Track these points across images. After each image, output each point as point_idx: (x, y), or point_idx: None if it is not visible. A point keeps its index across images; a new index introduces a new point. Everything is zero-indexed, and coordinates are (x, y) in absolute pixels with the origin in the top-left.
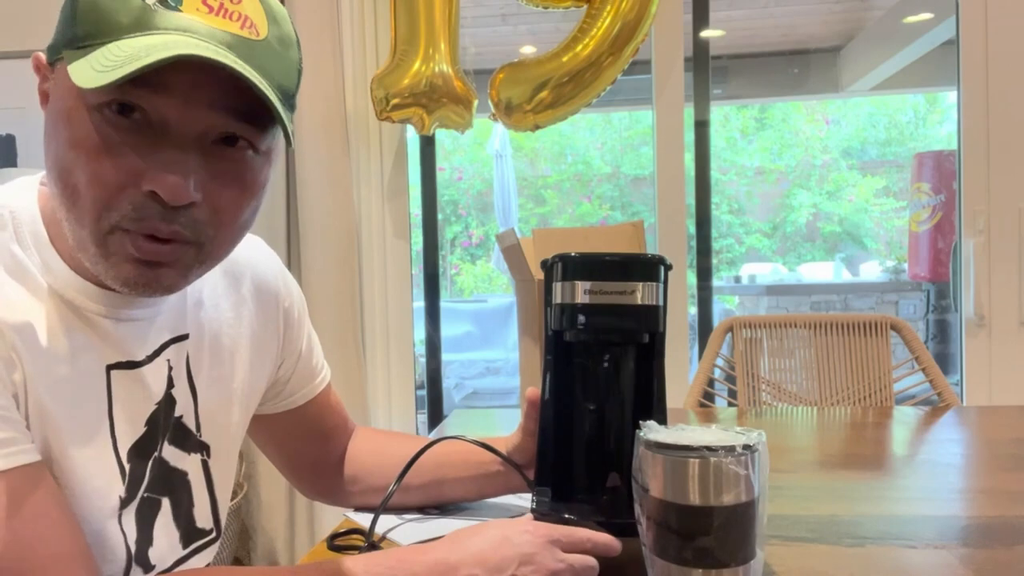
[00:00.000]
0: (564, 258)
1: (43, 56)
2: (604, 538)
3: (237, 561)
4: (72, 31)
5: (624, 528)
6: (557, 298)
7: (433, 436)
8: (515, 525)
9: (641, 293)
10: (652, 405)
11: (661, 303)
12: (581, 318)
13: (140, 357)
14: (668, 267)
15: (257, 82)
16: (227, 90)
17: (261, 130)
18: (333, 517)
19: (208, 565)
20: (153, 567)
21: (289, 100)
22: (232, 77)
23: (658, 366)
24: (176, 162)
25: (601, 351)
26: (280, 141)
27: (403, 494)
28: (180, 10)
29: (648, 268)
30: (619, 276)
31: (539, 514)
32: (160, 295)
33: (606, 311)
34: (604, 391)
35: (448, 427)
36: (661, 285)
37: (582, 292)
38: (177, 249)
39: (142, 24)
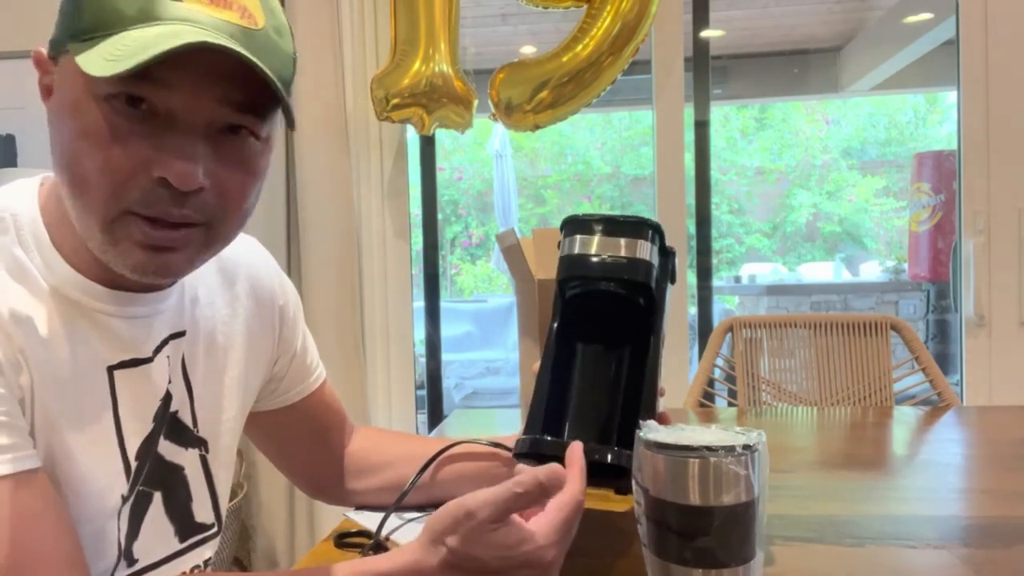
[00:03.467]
0: (572, 218)
1: (44, 51)
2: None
3: (237, 561)
4: (77, 24)
5: (616, 470)
6: (562, 252)
7: (433, 436)
8: (519, 557)
9: (635, 248)
10: (646, 362)
11: (654, 261)
12: (577, 267)
13: (147, 354)
14: (664, 238)
15: (265, 69)
16: (231, 83)
17: (262, 119)
18: (333, 517)
19: (207, 561)
20: (136, 561)
21: (287, 88)
22: (235, 70)
23: (655, 338)
24: (185, 149)
25: (599, 311)
26: (278, 127)
27: (410, 494)
28: (183, 1)
29: (638, 227)
30: (614, 231)
31: (522, 454)
32: (168, 280)
33: (600, 260)
34: (600, 353)
35: (448, 427)
36: (654, 246)
37: (580, 244)
38: (187, 233)
39: (147, 15)
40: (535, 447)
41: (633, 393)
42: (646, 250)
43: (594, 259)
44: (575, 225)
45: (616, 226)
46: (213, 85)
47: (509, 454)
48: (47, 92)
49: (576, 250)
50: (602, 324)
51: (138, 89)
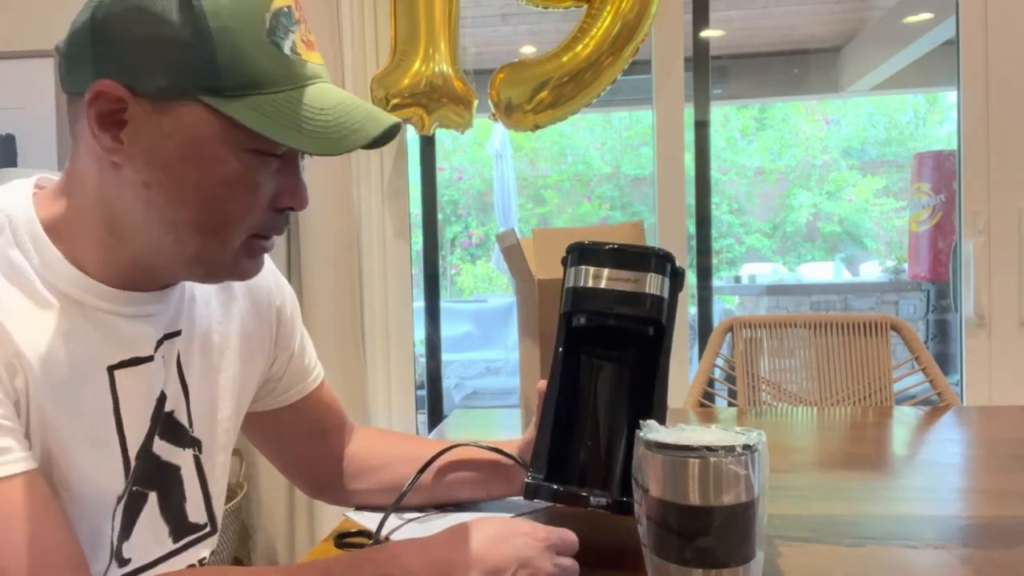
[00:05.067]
0: (579, 246)
1: (119, 86)
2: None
3: (237, 561)
4: (213, 79)
5: (620, 505)
6: (568, 282)
7: (433, 436)
8: (513, 525)
9: (644, 282)
10: (652, 399)
11: (665, 295)
12: (584, 300)
13: (148, 352)
14: (675, 266)
15: (388, 121)
16: None
17: None
18: (333, 517)
19: (203, 559)
20: (128, 560)
21: None
22: None
23: (663, 363)
24: (299, 178)
25: (605, 337)
26: None
27: (409, 495)
28: (299, 54)
29: (650, 259)
30: (620, 263)
31: (532, 488)
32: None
33: (609, 296)
34: (603, 379)
35: (448, 427)
36: (666, 279)
37: (586, 276)
38: None
39: (291, 76)
40: (548, 496)
41: (642, 414)
42: (656, 283)
43: (603, 295)
44: (582, 254)
45: (625, 258)
46: None
47: (509, 460)
48: (110, 124)
49: (583, 282)
50: (608, 347)
51: (275, 148)
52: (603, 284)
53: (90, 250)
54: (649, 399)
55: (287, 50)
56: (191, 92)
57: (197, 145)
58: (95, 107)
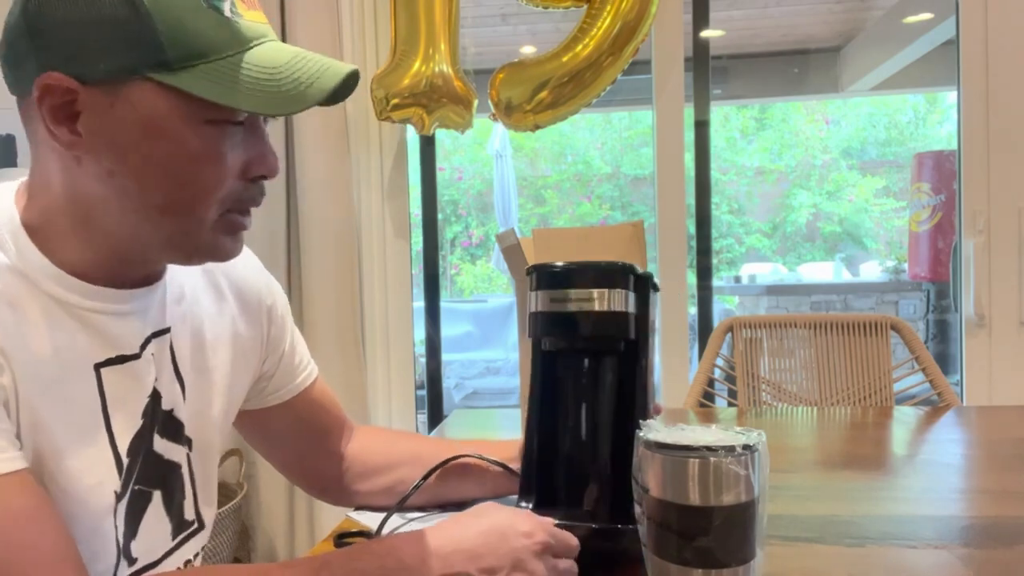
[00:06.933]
0: (536, 268)
1: (66, 76)
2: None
3: (237, 561)
4: (158, 54)
5: (607, 532)
6: (532, 307)
7: (434, 436)
8: (513, 522)
9: (605, 300)
10: (633, 413)
11: (630, 310)
12: (548, 326)
13: (134, 350)
14: (639, 275)
15: (344, 70)
16: None
17: None
18: (333, 517)
19: (196, 556)
20: (135, 560)
21: None
22: None
23: (640, 373)
24: (267, 143)
25: (575, 359)
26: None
27: (413, 496)
28: (241, 15)
29: (610, 275)
30: (579, 283)
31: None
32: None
33: (569, 318)
34: (580, 399)
35: (448, 427)
36: (629, 292)
37: (548, 300)
38: None
39: (235, 40)
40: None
41: (622, 424)
42: (621, 299)
43: (568, 317)
44: (540, 277)
45: (581, 277)
46: None
47: (509, 470)
48: (64, 118)
49: (549, 307)
50: (585, 361)
51: (239, 116)
52: (563, 307)
53: (68, 248)
54: (628, 412)
55: (227, 12)
56: (138, 70)
57: (154, 124)
58: (46, 103)
